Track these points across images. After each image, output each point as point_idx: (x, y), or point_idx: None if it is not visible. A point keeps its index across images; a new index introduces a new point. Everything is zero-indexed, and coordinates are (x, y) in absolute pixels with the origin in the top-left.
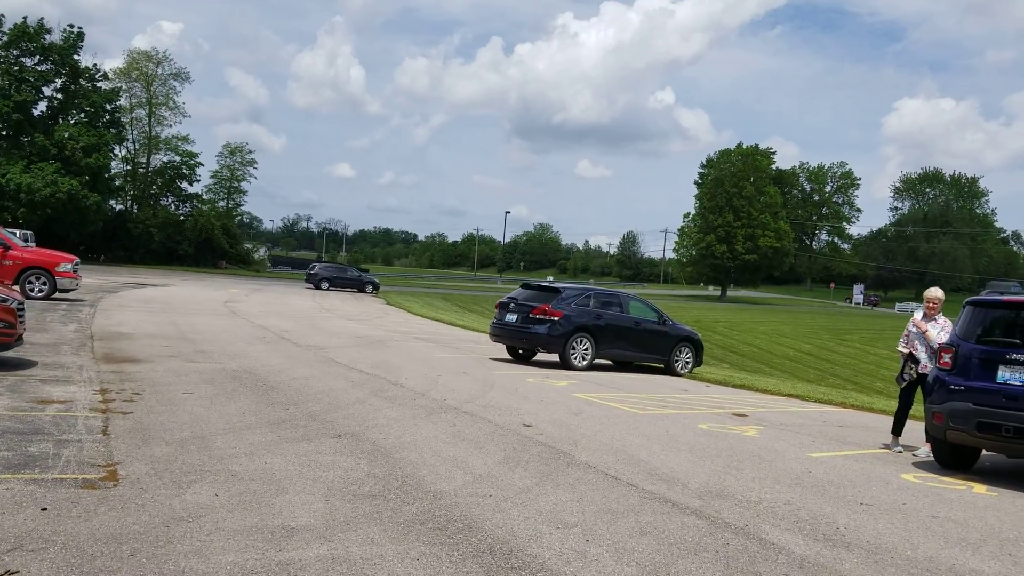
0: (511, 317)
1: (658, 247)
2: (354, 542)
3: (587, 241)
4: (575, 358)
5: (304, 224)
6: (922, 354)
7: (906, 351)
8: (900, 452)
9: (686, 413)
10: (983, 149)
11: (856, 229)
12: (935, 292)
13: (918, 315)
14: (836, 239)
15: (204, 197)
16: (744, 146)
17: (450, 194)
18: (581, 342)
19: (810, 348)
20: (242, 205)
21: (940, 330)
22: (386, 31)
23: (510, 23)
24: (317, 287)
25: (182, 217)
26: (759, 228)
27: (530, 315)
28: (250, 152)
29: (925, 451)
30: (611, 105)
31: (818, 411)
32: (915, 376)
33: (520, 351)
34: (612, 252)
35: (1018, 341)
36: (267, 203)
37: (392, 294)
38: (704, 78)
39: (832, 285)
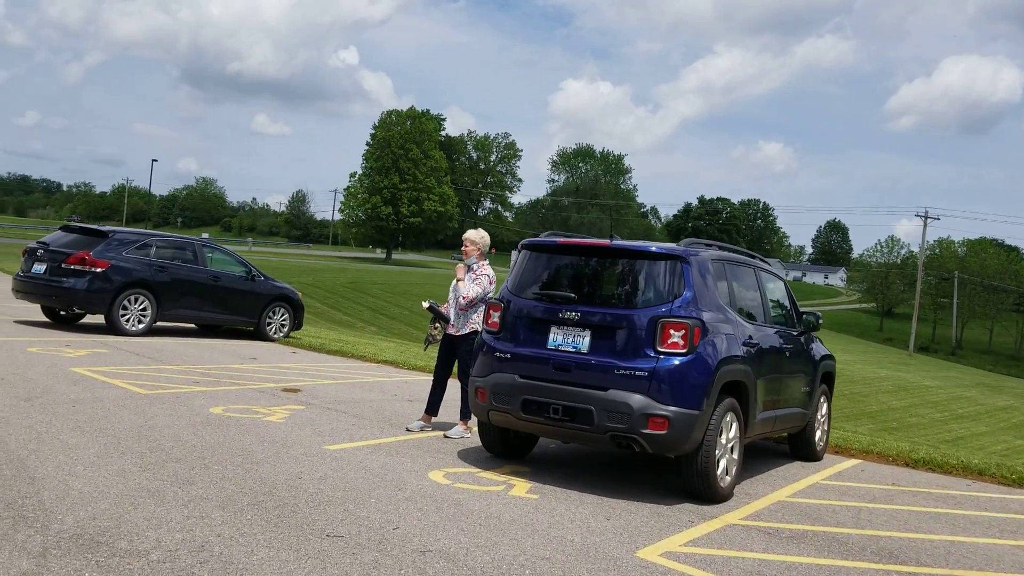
0: (40, 268)
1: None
2: None
3: (255, 199)
4: (128, 321)
5: None
6: (452, 311)
7: (427, 305)
8: (423, 429)
9: (218, 391)
10: (632, 132)
11: (518, 198)
12: (470, 232)
13: (462, 265)
14: (500, 207)
15: None
16: (416, 109)
17: (107, 141)
18: (136, 300)
19: None
20: None
21: (473, 281)
22: None
23: None
24: None
25: None
26: (424, 191)
27: (63, 265)
28: None
29: (460, 430)
30: (291, 60)
31: (403, 380)
32: (439, 338)
33: (61, 311)
34: (283, 211)
35: (574, 295)
36: None
37: None
38: (389, 42)
39: (494, 251)
